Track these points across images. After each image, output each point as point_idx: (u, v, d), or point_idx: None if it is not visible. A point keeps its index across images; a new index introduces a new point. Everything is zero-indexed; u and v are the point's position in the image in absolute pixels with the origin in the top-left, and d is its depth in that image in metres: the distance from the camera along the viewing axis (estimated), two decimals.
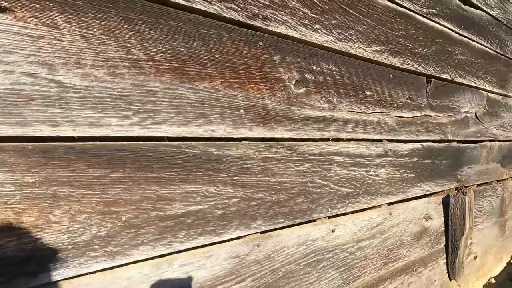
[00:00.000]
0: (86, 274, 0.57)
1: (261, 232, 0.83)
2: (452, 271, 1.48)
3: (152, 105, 0.63)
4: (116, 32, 0.59)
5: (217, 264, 0.73)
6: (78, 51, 0.55)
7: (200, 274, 0.71)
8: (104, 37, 0.58)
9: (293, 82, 0.88)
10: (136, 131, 0.61)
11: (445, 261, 1.49)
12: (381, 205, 1.17)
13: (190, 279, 0.69)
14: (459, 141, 1.58)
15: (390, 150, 1.20)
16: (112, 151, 0.59)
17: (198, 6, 0.69)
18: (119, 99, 0.59)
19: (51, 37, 0.53)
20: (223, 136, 0.74)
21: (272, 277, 0.84)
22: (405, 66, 1.24)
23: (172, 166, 0.66)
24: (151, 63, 0.63)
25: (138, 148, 0.62)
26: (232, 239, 0.77)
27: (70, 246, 0.54)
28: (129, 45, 0.60)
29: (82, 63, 0.55)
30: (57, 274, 0.53)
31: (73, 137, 0.55)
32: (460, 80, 1.56)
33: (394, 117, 1.21)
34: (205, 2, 0.69)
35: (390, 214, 1.20)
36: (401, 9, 1.21)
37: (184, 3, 0.66)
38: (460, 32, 1.54)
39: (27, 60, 0.50)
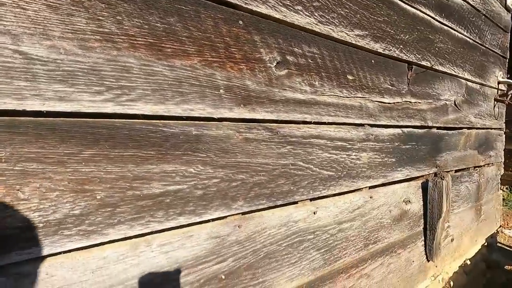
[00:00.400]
0: (60, 253, 0.55)
1: (243, 213, 0.83)
2: (429, 252, 1.54)
3: (126, 81, 0.61)
4: (86, 3, 0.56)
5: (197, 244, 0.73)
6: (44, 22, 0.52)
7: (180, 254, 0.70)
8: (73, 7, 0.55)
9: (274, 64, 0.87)
10: (110, 108, 0.60)
11: (423, 243, 1.55)
12: (362, 188, 1.19)
13: (169, 259, 0.69)
14: (438, 128, 1.62)
15: (372, 134, 1.22)
16: (84, 128, 0.57)
17: None
18: (91, 73, 0.57)
19: (14, 5, 0.50)
20: (202, 116, 0.73)
21: (254, 257, 0.85)
22: (387, 52, 1.26)
23: (149, 145, 0.65)
24: (124, 37, 0.61)
25: (113, 125, 0.60)
26: (213, 219, 0.77)
27: (41, 225, 0.53)
28: (100, 17, 0.58)
29: (49, 35, 0.53)
30: (28, 253, 0.51)
31: (42, 111, 0.53)
32: (440, 68, 1.59)
33: (376, 102, 1.23)
34: None
35: (371, 197, 1.23)
36: None
37: None
38: (441, 20, 1.57)
39: None
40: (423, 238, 1.55)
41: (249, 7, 0.80)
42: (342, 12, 1.05)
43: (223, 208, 0.78)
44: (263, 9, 0.83)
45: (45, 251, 0.53)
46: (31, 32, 0.51)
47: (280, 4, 0.87)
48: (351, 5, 1.09)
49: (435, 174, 1.58)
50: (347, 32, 1.08)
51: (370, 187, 1.23)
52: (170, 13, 0.67)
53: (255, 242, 0.85)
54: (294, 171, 0.94)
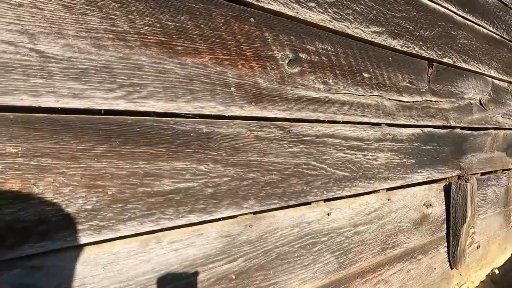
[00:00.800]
0: (71, 247, 0.56)
1: (254, 213, 0.82)
2: (453, 259, 1.46)
3: (138, 79, 0.62)
4: (100, 3, 0.58)
5: (207, 242, 0.73)
6: (60, 21, 0.54)
7: (190, 252, 0.70)
8: (87, 7, 0.57)
9: (287, 61, 0.86)
10: (122, 105, 0.60)
11: (446, 249, 1.47)
12: (379, 190, 1.15)
13: (179, 256, 0.68)
14: (462, 128, 1.54)
15: (389, 134, 1.17)
16: (97, 124, 0.58)
17: None
18: (104, 71, 0.58)
19: (31, 5, 0.52)
20: (213, 114, 0.73)
21: (265, 258, 0.83)
22: (405, 49, 1.21)
23: (160, 142, 0.65)
24: (136, 36, 0.62)
25: (124, 122, 0.61)
26: (224, 218, 0.76)
27: (54, 219, 0.54)
28: (113, 16, 0.59)
29: (64, 33, 0.54)
30: (40, 247, 0.53)
31: (56, 108, 0.54)
32: (464, 65, 1.52)
33: (394, 100, 1.18)
34: None
35: (388, 200, 1.18)
36: None
37: None
38: (464, 15, 1.50)
39: (7, 28, 0.50)
40: (446, 244, 1.47)
41: (261, 4, 0.80)
42: (357, 8, 1.03)
43: (234, 207, 0.77)
44: (274, 6, 0.82)
45: (57, 245, 0.54)
46: (47, 31, 0.53)
47: (293, 1, 0.86)
48: (367, 1, 1.06)
49: (459, 177, 1.50)
50: (363, 28, 1.05)
51: (388, 189, 1.19)
52: (181, 11, 0.67)
53: (267, 242, 0.83)
54: (307, 170, 0.92)
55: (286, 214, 0.88)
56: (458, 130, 1.52)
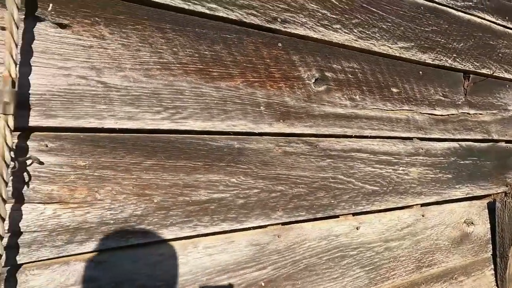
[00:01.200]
0: (124, 247, 0.66)
1: (282, 224, 0.86)
2: (501, 283, 1.34)
3: (180, 102, 0.72)
4: (150, 40, 0.69)
5: (238, 250, 0.79)
6: (119, 57, 0.66)
7: (223, 258, 0.76)
8: (140, 44, 0.68)
9: (313, 80, 0.92)
10: (166, 125, 0.70)
11: (493, 272, 1.36)
12: (412, 205, 1.13)
13: (213, 261, 0.75)
14: (507, 141, 1.45)
15: (422, 148, 1.15)
16: (146, 141, 0.68)
17: (221, 14, 0.77)
18: (152, 97, 0.69)
19: (98, 46, 0.64)
20: (244, 131, 0.80)
21: (294, 268, 0.86)
22: (437, 62, 1.20)
23: (198, 156, 0.74)
24: (179, 65, 0.72)
25: (168, 139, 0.71)
26: (253, 227, 0.82)
27: (111, 221, 0.64)
28: (160, 50, 0.70)
29: (122, 67, 0.66)
30: (102, 244, 0.63)
31: (115, 128, 0.65)
32: (506, 75, 1.44)
33: (426, 114, 1.17)
34: (227, 10, 0.77)
35: (423, 216, 1.15)
36: (430, 4, 1.18)
37: (208, 12, 0.75)
38: (504, 24, 1.44)
39: (81, 65, 0.62)
40: (492, 266, 1.36)
41: (288, 30, 0.87)
42: (383, 26, 1.06)
43: (263, 217, 0.82)
44: (301, 31, 0.89)
45: (114, 244, 0.64)
46: (110, 66, 0.65)
47: (318, 24, 0.92)
48: (393, 18, 1.08)
49: (505, 194, 1.40)
50: (390, 45, 1.07)
51: (422, 205, 1.16)
52: (216, 42, 0.77)
53: (295, 253, 0.87)
54: (334, 184, 0.94)
55: (314, 226, 0.91)
56: (502, 144, 1.43)
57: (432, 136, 1.18)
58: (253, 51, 0.82)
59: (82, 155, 0.62)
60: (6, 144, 0.52)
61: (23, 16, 0.57)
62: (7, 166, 0.52)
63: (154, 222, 0.68)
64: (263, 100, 0.83)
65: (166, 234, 0.70)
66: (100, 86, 0.64)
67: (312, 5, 0.90)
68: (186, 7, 0.73)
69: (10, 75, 0.52)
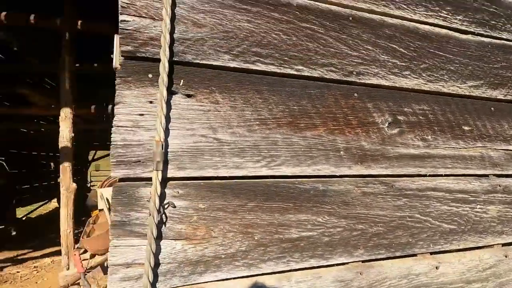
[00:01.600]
0: (231, 278, 0.76)
1: (363, 261, 0.91)
2: None
3: (274, 151, 0.83)
4: (251, 101, 0.83)
5: (325, 285, 0.85)
6: (229, 117, 0.80)
7: None
8: (244, 105, 0.82)
9: (386, 124, 0.98)
10: (264, 171, 0.82)
11: None
12: (493, 245, 1.09)
13: None
14: None
15: (499, 185, 1.13)
16: (248, 187, 0.80)
17: (306, 73, 0.89)
18: (253, 148, 0.81)
19: (214, 109, 0.79)
20: (327, 174, 0.89)
21: None
22: (509, 97, 1.19)
23: (289, 198, 0.84)
24: (273, 120, 0.85)
25: (265, 184, 0.82)
26: (337, 264, 0.88)
27: (223, 256, 0.75)
28: (259, 108, 0.84)
29: (231, 125, 0.80)
30: (216, 276, 0.74)
31: (226, 176, 0.78)
32: None
33: (501, 150, 1.16)
34: (310, 69, 0.89)
35: (505, 256, 1.10)
36: (498, 41, 1.20)
37: (295, 73, 0.88)
38: None
39: (201, 126, 0.77)
40: None
41: (362, 81, 0.96)
42: (451, 68, 1.10)
43: (346, 254, 0.88)
44: (374, 81, 0.98)
45: (224, 275, 0.75)
46: (222, 125, 0.79)
47: (389, 73, 1.00)
48: (461, 59, 1.12)
49: None
50: (459, 85, 1.11)
51: (504, 244, 1.11)
52: (302, 97, 0.89)
53: None
54: (412, 223, 0.97)
55: (393, 265, 0.94)
56: None
57: (510, 172, 1.15)
58: (333, 103, 0.92)
59: (202, 200, 0.75)
60: (157, 193, 0.67)
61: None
62: (158, 211, 0.67)
63: (255, 257, 0.79)
64: (343, 145, 0.92)
65: (265, 268, 0.79)
66: (215, 142, 0.78)
67: (383, 56, 0.99)
68: (278, 70, 0.86)
69: (160, 140, 0.68)
